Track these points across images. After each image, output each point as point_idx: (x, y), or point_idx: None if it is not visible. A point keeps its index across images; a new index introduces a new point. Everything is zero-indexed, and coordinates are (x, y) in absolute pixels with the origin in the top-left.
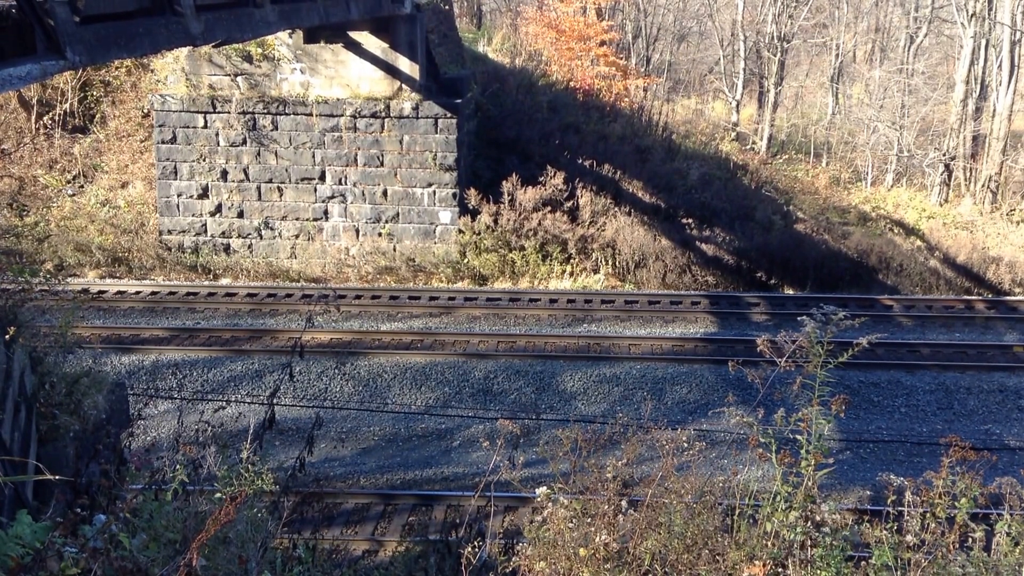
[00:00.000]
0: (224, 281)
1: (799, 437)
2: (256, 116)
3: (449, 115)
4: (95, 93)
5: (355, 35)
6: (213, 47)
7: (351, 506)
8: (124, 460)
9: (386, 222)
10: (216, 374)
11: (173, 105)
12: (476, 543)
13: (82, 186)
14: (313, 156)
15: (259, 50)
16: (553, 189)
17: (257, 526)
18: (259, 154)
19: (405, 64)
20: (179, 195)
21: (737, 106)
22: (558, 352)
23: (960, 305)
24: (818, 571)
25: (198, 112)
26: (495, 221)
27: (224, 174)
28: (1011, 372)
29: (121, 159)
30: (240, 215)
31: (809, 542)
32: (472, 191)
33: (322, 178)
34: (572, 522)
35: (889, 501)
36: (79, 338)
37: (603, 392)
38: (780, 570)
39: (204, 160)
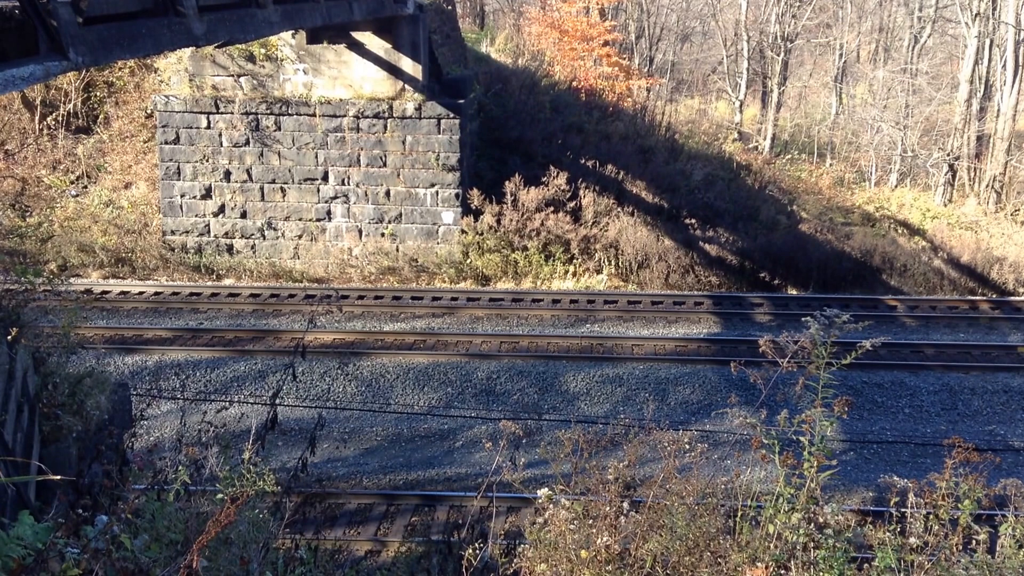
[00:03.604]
0: (227, 282)
1: (802, 438)
2: (259, 116)
3: (452, 115)
4: (98, 94)
5: (358, 35)
6: (216, 48)
7: (353, 507)
8: (126, 461)
9: (389, 222)
10: (219, 374)
11: (176, 106)
12: (478, 544)
13: (85, 187)
14: (316, 157)
15: (262, 50)
16: (556, 189)
17: (259, 527)
18: (262, 155)
19: (408, 64)
20: (182, 196)
21: (740, 106)
22: (561, 353)
23: (964, 305)
24: (821, 573)
25: (201, 113)
26: (498, 221)
27: (227, 175)
28: (1015, 373)
29: (124, 160)
30: (243, 216)
31: (812, 544)
32: (475, 191)
33: (325, 178)
34: (573, 524)
35: (892, 503)
36: (82, 339)
37: (606, 393)
38: (783, 572)
39: (207, 161)
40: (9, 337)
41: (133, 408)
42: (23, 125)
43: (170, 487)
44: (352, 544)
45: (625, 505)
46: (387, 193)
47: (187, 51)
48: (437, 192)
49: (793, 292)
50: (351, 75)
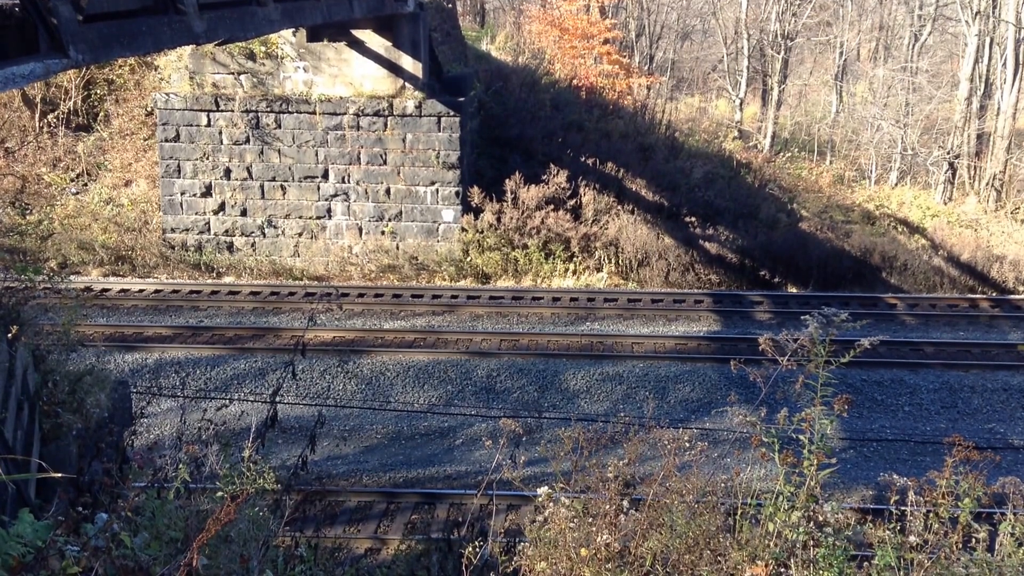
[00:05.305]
0: (227, 279)
1: (802, 437)
2: (259, 114)
3: (452, 113)
4: (99, 91)
5: (358, 33)
6: (216, 46)
7: (353, 504)
8: (127, 458)
9: (389, 220)
10: (219, 372)
11: (176, 103)
12: (478, 542)
13: (86, 184)
14: (316, 154)
15: (262, 48)
16: (556, 187)
17: (259, 525)
18: (262, 152)
19: (408, 62)
20: (182, 193)
21: (740, 104)
22: (561, 351)
23: (964, 304)
24: (821, 571)
25: (201, 110)
26: (498, 219)
27: (227, 172)
28: (1015, 371)
29: (125, 157)
30: (243, 213)
31: (812, 542)
32: (475, 189)
33: (325, 176)
34: (573, 522)
35: (892, 501)
36: (82, 336)
37: (606, 391)
38: (782, 570)
39: (207, 158)
40: (9, 335)
41: (133, 406)
42: (23, 123)
43: (170, 485)
44: (352, 542)
45: (625, 503)
46: (387, 191)
47: (187, 49)
48: (437, 190)
49: (793, 290)
50: (351, 73)
